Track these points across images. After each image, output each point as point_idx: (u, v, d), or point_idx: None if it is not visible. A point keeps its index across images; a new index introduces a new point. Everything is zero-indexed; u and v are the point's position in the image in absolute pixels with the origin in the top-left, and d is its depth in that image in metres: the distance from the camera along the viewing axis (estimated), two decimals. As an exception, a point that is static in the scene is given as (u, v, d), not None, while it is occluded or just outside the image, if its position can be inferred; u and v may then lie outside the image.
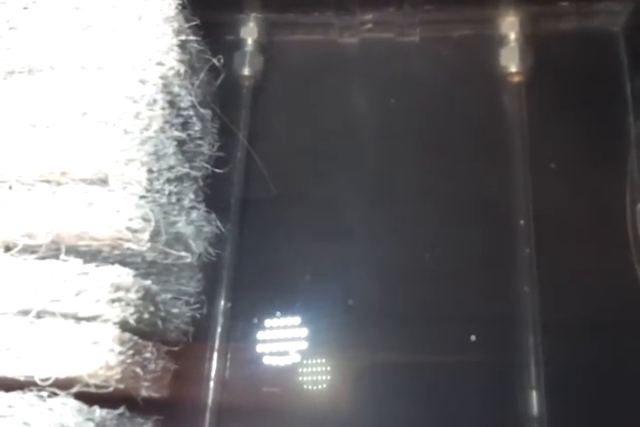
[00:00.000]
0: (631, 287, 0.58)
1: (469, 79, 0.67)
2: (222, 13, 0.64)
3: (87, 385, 0.41)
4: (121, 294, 0.42)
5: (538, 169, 0.62)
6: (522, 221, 0.61)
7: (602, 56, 0.67)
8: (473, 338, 0.58)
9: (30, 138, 0.45)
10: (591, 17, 0.67)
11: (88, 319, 0.41)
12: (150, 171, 0.46)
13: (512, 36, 0.65)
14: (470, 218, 0.62)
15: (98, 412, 0.41)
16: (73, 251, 0.44)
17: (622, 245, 0.60)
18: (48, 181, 0.45)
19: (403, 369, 0.59)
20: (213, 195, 0.59)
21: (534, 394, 0.56)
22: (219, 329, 0.59)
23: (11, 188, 0.44)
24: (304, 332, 0.61)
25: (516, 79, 0.65)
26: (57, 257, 0.43)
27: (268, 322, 0.61)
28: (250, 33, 0.64)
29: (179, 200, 0.52)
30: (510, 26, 0.65)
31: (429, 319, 0.60)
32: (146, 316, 0.45)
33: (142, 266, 0.49)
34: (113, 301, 0.42)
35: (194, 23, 0.53)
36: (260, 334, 0.61)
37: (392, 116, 0.67)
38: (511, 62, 0.64)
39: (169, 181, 0.49)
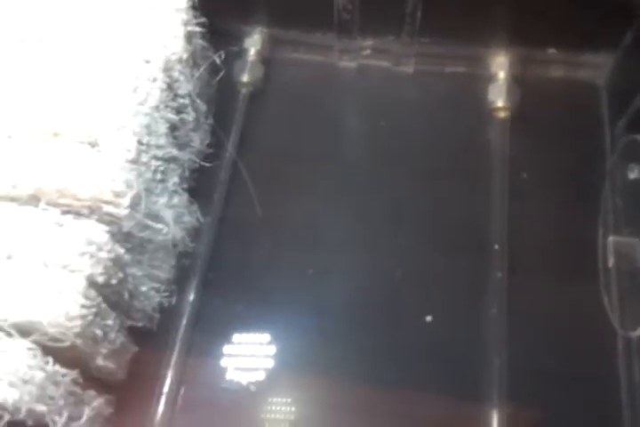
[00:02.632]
0: (599, 317, 0.59)
1: (457, 112, 0.70)
2: (229, 24, 0.68)
3: (45, 334, 0.40)
4: (92, 249, 0.43)
5: (515, 198, 0.64)
6: (496, 246, 0.62)
7: (585, 104, 0.70)
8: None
9: (28, 97, 0.47)
10: (577, 68, 0.71)
11: (57, 267, 0.41)
12: (140, 142, 0.48)
13: (501, 75, 0.69)
14: (446, 240, 0.64)
15: (51, 363, 0.40)
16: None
17: (592, 276, 0.61)
18: (40, 140, 0.46)
19: (370, 392, 0.58)
20: (197, 188, 0.60)
21: (495, 413, 0.55)
22: (184, 322, 0.59)
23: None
24: (273, 346, 0.60)
25: (502, 114, 0.68)
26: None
27: (235, 329, 0.60)
28: (253, 44, 0.68)
29: (163, 181, 0.53)
30: (500, 66, 0.69)
31: (398, 342, 0.60)
32: (113, 281, 0.45)
33: (118, 237, 0.49)
34: (83, 254, 0.42)
35: (201, 20, 0.56)
36: (225, 340, 0.59)
37: (381, 140, 0.69)
38: (498, 98, 0.68)
39: (156, 158, 0.51)
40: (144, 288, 0.52)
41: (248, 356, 0.59)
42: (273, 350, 0.60)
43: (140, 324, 0.52)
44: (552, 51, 0.70)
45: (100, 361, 0.46)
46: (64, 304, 0.40)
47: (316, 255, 0.64)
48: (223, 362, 0.59)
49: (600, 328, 0.59)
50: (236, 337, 0.60)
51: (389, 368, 0.59)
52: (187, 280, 0.60)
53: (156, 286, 0.56)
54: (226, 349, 0.60)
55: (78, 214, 0.46)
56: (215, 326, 0.61)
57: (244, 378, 0.58)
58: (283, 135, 0.68)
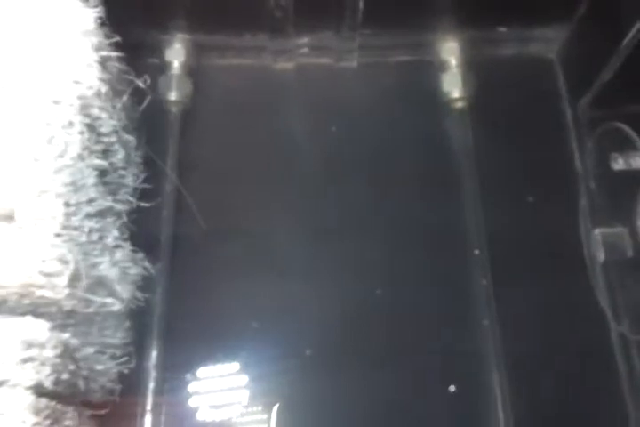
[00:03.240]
0: (592, 314, 0.56)
1: (411, 106, 0.64)
2: (145, 34, 0.59)
3: (-9, 468, 0.33)
4: (34, 352, 0.35)
5: (488, 196, 0.59)
6: (476, 251, 0.58)
7: (541, 82, 0.66)
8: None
9: None
10: (528, 43, 0.66)
11: (-8, 386, 0.34)
12: (67, 204, 0.40)
13: (453, 61, 0.63)
14: (422, 250, 0.59)
15: None
16: (-28, 302, 0.37)
17: (579, 272, 0.57)
18: (-59, 219, 0.38)
19: (359, 419, 0.54)
20: (140, 232, 0.52)
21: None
22: (151, 385, 0.52)
23: None
24: (247, 386, 0.55)
25: (459, 105, 0.63)
26: (-49, 310, 0.35)
27: (205, 376, 0.54)
28: (176, 55, 0.59)
29: (101, 238, 0.45)
30: (450, 51, 0.64)
31: (384, 361, 0.55)
32: (65, 376, 0.38)
33: (58, 316, 0.41)
34: (25, 361, 0.34)
35: (114, 40, 0.47)
36: (197, 391, 0.54)
37: (332, 144, 0.63)
38: (454, 88, 0.62)
39: (89, 216, 0.43)
40: (100, 366, 0.45)
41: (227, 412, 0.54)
42: (247, 392, 0.54)
43: (102, 410, 0.44)
44: (502, 29, 0.65)
45: (62, 470, 0.39)
46: (10, 431, 0.33)
47: (282, 283, 0.58)
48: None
49: (594, 324, 0.57)
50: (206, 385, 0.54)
51: (382, 394, 0.54)
52: (146, 335, 0.53)
53: (112, 352, 0.48)
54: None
55: (4, 302, 0.38)
56: (183, 379, 0.54)
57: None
58: (225, 154, 0.61)
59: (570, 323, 0.56)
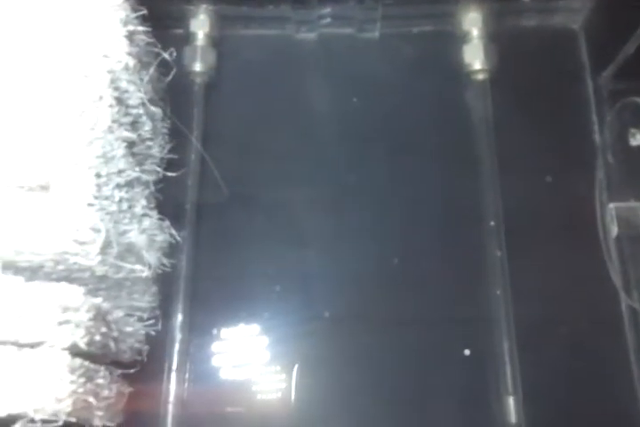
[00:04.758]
0: (604, 287, 0.57)
1: (432, 77, 0.64)
2: (170, 4, 0.60)
3: (32, 421, 0.36)
4: (70, 315, 0.37)
5: (506, 168, 0.60)
6: (492, 223, 0.59)
7: (564, 53, 0.66)
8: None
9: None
10: (551, 14, 0.66)
11: (32, 346, 0.36)
12: (98, 175, 0.42)
13: (475, 32, 0.63)
14: (439, 220, 0.60)
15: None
16: (11, 267, 0.39)
17: (593, 245, 0.58)
18: (-20, 189, 0.40)
19: (375, 379, 0.56)
20: (166, 201, 0.54)
21: (511, 400, 0.54)
22: (176, 346, 0.55)
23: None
24: (269, 347, 0.57)
25: (481, 77, 0.63)
26: (-7, 275, 0.37)
27: (229, 337, 0.57)
28: (200, 26, 0.60)
29: (130, 207, 0.47)
30: (472, 22, 0.63)
31: (400, 327, 0.57)
32: (97, 338, 0.40)
33: (91, 281, 0.44)
34: (61, 324, 0.37)
35: (141, 13, 0.48)
36: (220, 351, 0.56)
37: (353, 115, 0.64)
38: (475, 59, 0.62)
39: (119, 186, 0.45)
40: (128, 328, 0.47)
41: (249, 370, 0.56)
42: (273, 357, 0.56)
43: (130, 369, 0.47)
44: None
45: (97, 423, 0.42)
46: (49, 388, 0.35)
47: (302, 249, 0.60)
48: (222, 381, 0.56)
49: (605, 296, 0.58)
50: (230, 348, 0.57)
51: (396, 358, 0.57)
52: (172, 299, 0.56)
53: (140, 315, 0.51)
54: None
55: (41, 268, 0.40)
56: (207, 340, 0.57)
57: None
58: (248, 124, 0.62)
59: (581, 295, 0.57)
